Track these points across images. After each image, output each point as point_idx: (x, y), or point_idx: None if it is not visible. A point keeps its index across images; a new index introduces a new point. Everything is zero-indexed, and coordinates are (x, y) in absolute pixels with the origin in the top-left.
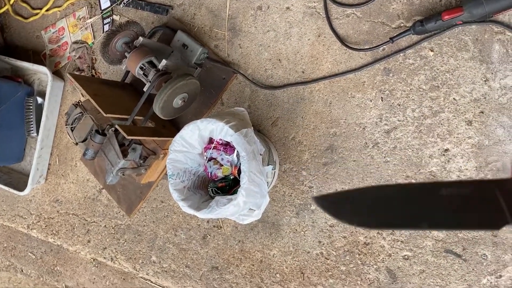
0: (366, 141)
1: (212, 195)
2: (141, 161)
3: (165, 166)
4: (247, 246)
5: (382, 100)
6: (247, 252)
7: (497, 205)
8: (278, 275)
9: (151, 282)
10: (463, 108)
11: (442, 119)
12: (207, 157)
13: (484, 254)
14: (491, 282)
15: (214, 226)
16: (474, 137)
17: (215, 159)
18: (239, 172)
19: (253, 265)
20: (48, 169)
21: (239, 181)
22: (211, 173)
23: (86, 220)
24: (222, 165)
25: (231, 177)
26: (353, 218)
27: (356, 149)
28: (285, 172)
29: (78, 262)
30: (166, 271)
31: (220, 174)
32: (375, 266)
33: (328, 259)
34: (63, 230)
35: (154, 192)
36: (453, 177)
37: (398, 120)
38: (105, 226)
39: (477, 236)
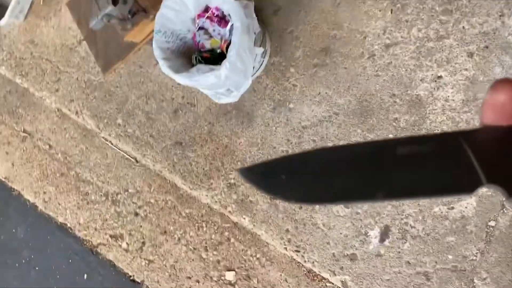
0: (364, 51)
1: (195, 63)
2: (130, 16)
3: (152, 30)
4: (216, 129)
5: (391, 12)
6: (215, 135)
7: (467, 163)
8: (239, 163)
9: (111, 143)
10: (469, 39)
11: (445, 45)
12: (198, 25)
13: None
14: (441, 212)
15: (188, 103)
16: (470, 70)
17: (206, 29)
18: (228, 48)
19: (218, 148)
20: (31, 7)
21: (225, 57)
22: (199, 42)
23: (59, 69)
24: (212, 37)
25: (218, 51)
26: (290, 192)
27: (351, 56)
28: (273, 64)
29: (41, 109)
30: (129, 136)
31: (208, 45)
32: None
33: None
34: (33, 73)
35: (135, 55)
36: (438, 105)
37: (401, 37)
38: (77, 78)
39: None
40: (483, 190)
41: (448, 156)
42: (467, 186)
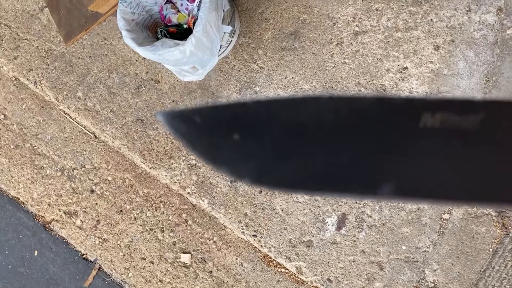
0: (332, 37)
1: (160, 37)
2: None
3: (118, 1)
4: (179, 108)
5: (362, 0)
6: None
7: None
8: None
9: (70, 117)
10: (436, 32)
11: (413, 37)
12: None
13: None
14: (398, 202)
15: (152, 79)
16: (435, 63)
17: (174, 3)
18: (195, 24)
19: None
20: None
21: (192, 33)
22: (165, 16)
23: (19, 35)
24: (179, 12)
25: (185, 27)
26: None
27: (320, 42)
28: (242, 45)
29: None
30: (88, 110)
31: (174, 19)
32: None
33: None
34: None
35: (100, 26)
36: (402, 96)
37: (371, 25)
38: (37, 47)
39: None
40: None
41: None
42: None
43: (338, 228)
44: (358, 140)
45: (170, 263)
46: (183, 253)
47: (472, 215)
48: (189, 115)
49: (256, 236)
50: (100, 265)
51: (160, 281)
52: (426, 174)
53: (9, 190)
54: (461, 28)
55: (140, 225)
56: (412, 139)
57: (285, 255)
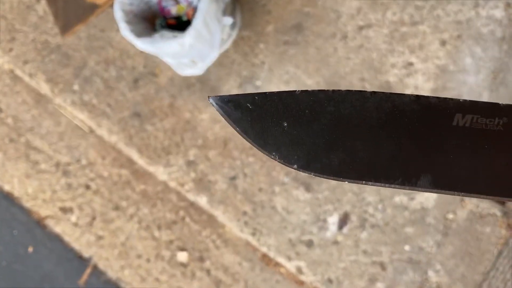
0: (336, 31)
1: (158, 30)
2: None
3: None
4: (178, 103)
5: None
6: (176, 108)
7: None
8: (200, 140)
9: (66, 110)
10: (443, 27)
11: (419, 31)
12: None
13: None
14: (402, 202)
15: (149, 73)
16: (442, 59)
17: None
18: (195, 15)
19: (179, 123)
20: None
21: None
22: (164, 7)
23: (14, 27)
24: (179, 3)
25: (184, 19)
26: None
27: (323, 36)
28: (243, 39)
29: None
30: (85, 104)
31: (174, 11)
32: None
33: None
34: None
35: (97, 18)
36: (408, 92)
37: (375, 19)
38: (33, 39)
39: None
40: None
41: None
42: None
43: (340, 227)
44: (398, 134)
45: (166, 261)
46: (180, 251)
47: (477, 215)
48: (241, 101)
49: (255, 234)
50: (95, 262)
51: (157, 279)
52: (459, 168)
53: (3, 184)
54: (468, 23)
55: (137, 222)
56: (446, 136)
57: (285, 254)
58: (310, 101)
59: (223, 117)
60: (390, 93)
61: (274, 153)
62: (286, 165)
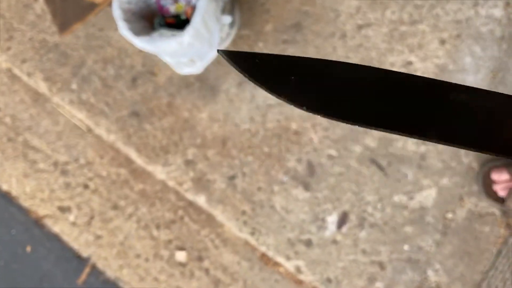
0: (335, 30)
1: (157, 28)
2: None
3: None
4: (177, 102)
5: None
6: (175, 107)
7: None
8: (199, 139)
9: (64, 109)
10: (442, 26)
11: (418, 31)
12: None
13: (406, 173)
14: (401, 201)
15: (148, 72)
16: (441, 58)
17: None
18: (193, 14)
19: (177, 122)
20: None
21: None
22: (163, 6)
23: (12, 26)
24: (177, 2)
25: (183, 17)
26: (305, 98)
27: (322, 35)
28: (241, 38)
29: None
30: (83, 103)
31: (172, 10)
32: (297, 156)
33: (254, 137)
34: None
35: (96, 17)
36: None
37: (375, 18)
38: (31, 38)
39: (406, 155)
40: (444, 182)
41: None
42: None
43: (339, 226)
44: (408, 99)
45: (165, 260)
46: (179, 250)
47: (476, 215)
48: (250, 56)
49: (254, 234)
50: (94, 261)
51: (155, 279)
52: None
53: (1, 184)
54: (467, 22)
55: (135, 222)
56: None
57: (283, 254)
58: (320, 65)
59: (233, 66)
60: (398, 72)
61: (283, 97)
62: (297, 107)
